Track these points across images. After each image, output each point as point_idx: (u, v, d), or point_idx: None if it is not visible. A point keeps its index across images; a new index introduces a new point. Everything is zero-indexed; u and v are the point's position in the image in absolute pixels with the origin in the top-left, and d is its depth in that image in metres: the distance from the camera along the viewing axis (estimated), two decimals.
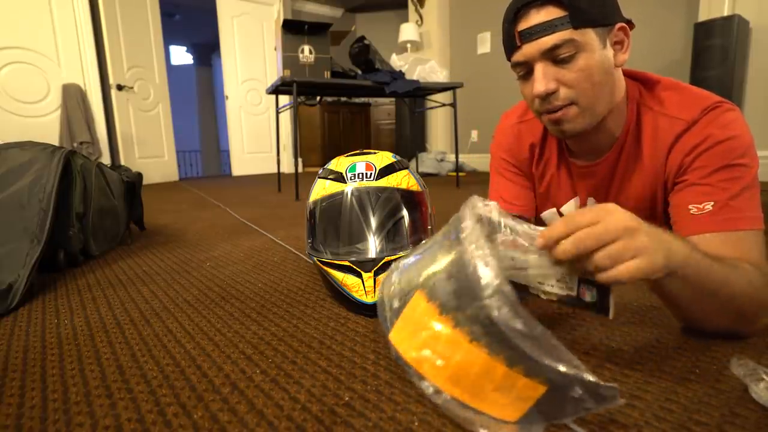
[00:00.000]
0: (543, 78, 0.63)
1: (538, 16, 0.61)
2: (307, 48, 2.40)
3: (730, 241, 0.58)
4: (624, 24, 0.64)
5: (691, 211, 0.61)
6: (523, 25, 0.63)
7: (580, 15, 0.59)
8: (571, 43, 0.60)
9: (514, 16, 0.63)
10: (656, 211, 0.72)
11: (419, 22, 4.71)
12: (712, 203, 0.59)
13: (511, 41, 0.65)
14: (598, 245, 0.42)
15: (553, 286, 0.48)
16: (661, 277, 0.45)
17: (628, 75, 0.71)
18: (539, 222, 0.94)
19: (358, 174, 0.79)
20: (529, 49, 0.63)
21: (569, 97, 0.64)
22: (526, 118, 0.84)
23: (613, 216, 0.43)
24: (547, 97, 0.64)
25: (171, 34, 6.33)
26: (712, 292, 0.50)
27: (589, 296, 0.46)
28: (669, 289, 0.50)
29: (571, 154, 0.79)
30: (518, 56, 0.65)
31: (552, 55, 0.62)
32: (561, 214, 0.86)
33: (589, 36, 0.61)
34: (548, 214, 0.89)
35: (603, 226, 0.43)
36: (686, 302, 0.52)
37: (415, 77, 2.69)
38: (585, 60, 0.61)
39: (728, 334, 0.58)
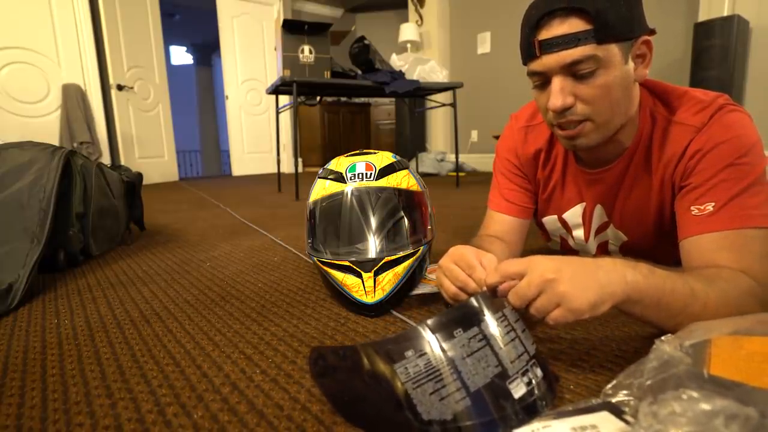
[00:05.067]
0: (560, 92, 0.61)
1: (562, 27, 0.58)
2: (307, 48, 2.40)
3: (728, 241, 0.57)
4: (648, 37, 0.62)
5: (693, 213, 0.61)
6: (544, 35, 0.60)
7: (605, 30, 0.57)
8: (592, 59, 0.58)
9: (536, 23, 0.60)
10: (665, 218, 0.71)
11: (419, 22, 4.70)
12: (713, 204, 0.59)
13: (530, 49, 0.62)
14: (525, 301, 0.47)
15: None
16: (606, 309, 0.47)
17: (641, 83, 0.69)
18: (540, 225, 0.94)
19: (358, 174, 0.79)
20: (548, 61, 0.60)
21: (585, 114, 0.62)
22: (534, 122, 0.83)
23: (534, 271, 0.47)
24: (563, 111, 0.63)
25: (171, 34, 6.34)
26: (678, 311, 0.50)
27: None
28: (631, 312, 0.50)
29: (578, 161, 0.78)
30: (536, 66, 0.63)
31: (572, 70, 0.60)
32: (563, 221, 0.86)
33: (612, 51, 0.58)
34: (549, 220, 0.89)
35: (526, 281, 0.47)
36: (652, 320, 0.52)
37: (415, 77, 2.68)
38: (605, 77, 0.59)
39: None
